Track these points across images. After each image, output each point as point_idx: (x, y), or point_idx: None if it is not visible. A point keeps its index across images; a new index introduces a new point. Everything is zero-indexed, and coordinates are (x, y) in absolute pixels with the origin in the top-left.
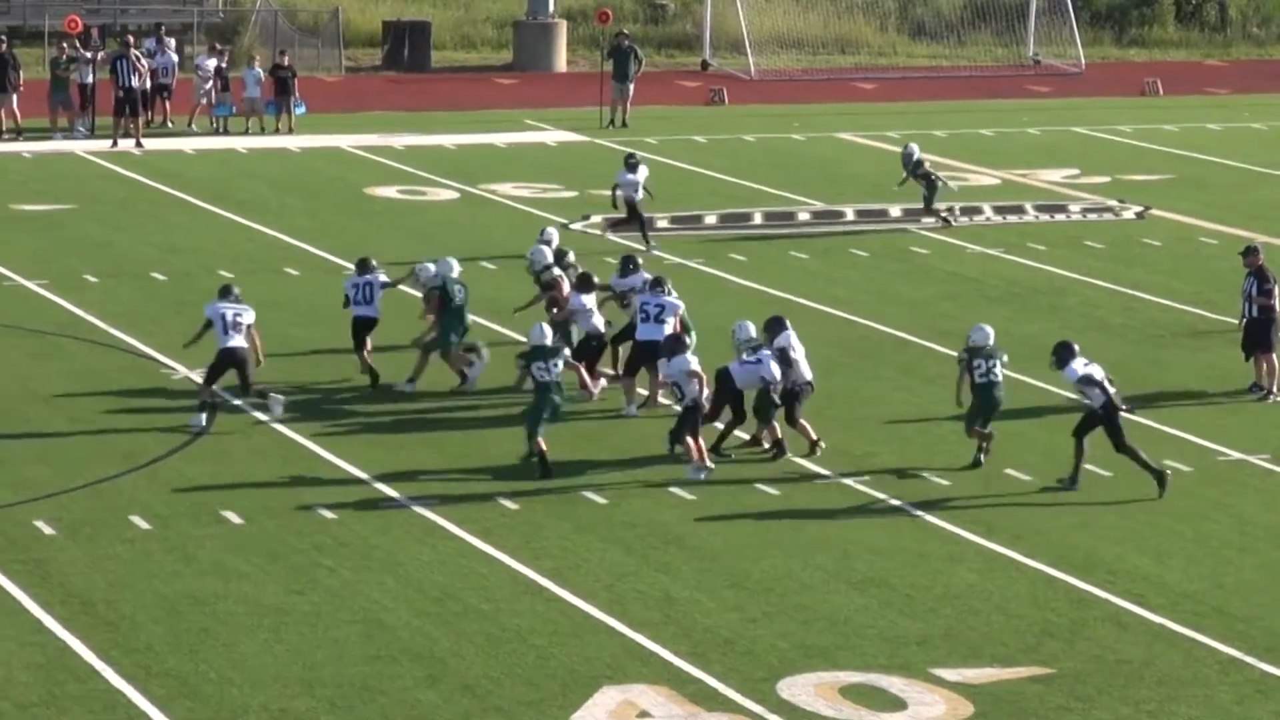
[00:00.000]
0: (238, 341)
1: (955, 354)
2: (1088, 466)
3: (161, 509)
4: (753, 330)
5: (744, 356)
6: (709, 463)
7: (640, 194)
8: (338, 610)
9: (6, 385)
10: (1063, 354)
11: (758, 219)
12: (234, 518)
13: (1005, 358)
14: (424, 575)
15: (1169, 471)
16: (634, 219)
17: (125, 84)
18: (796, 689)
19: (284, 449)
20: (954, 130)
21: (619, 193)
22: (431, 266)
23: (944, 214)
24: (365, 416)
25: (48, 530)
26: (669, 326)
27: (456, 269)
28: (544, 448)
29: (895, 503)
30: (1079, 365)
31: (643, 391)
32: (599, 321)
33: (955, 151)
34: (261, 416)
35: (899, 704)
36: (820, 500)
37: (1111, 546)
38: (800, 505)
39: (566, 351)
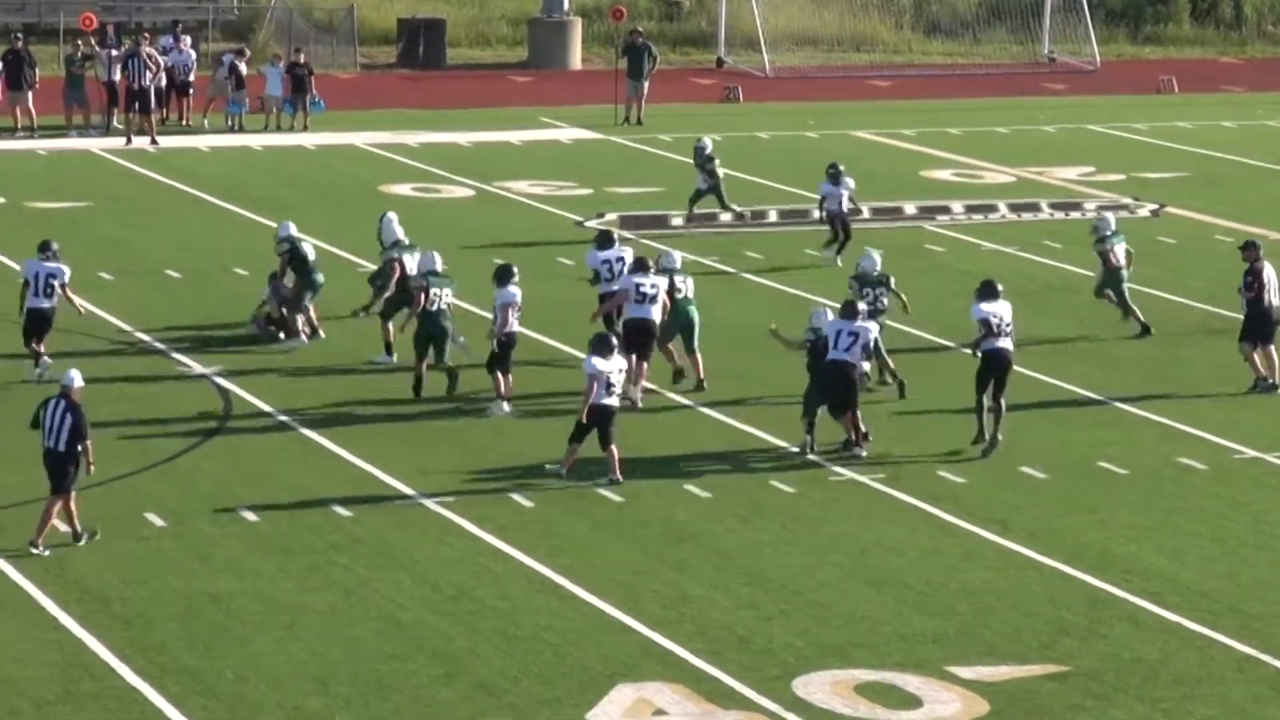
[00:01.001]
0: (45, 304)
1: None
2: (1102, 465)
3: (176, 506)
4: (830, 315)
5: (840, 343)
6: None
7: (847, 205)
8: (353, 608)
9: (22, 384)
10: (984, 291)
11: (773, 216)
12: (249, 515)
13: (893, 281)
14: (439, 573)
15: (999, 441)
16: (840, 232)
17: (137, 82)
18: (812, 687)
19: (298, 446)
20: (969, 128)
21: (827, 206)
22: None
23: (739, 209)
24: (379, 414)
25: (63, 528)
26: (657, 308)
27: (294, 229)
28: (427, 371)
29: (911, 500)
30: (985, 307)
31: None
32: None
33: (970, 149)
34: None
35: (914, 702)
36: (835, 498)
37: (1127, 545)
38: (815, 503)
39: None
